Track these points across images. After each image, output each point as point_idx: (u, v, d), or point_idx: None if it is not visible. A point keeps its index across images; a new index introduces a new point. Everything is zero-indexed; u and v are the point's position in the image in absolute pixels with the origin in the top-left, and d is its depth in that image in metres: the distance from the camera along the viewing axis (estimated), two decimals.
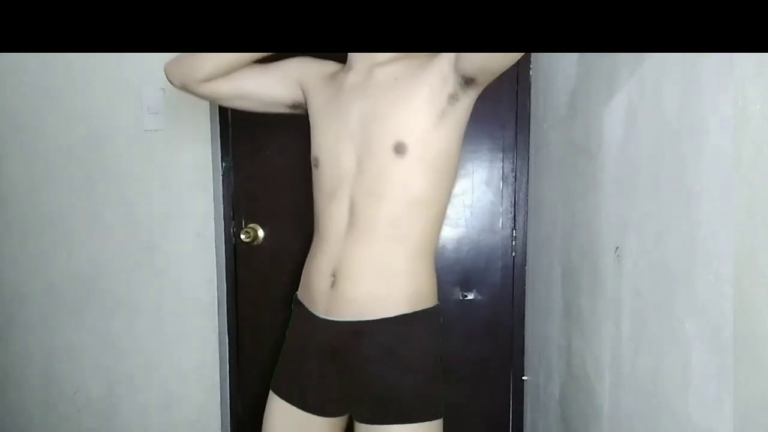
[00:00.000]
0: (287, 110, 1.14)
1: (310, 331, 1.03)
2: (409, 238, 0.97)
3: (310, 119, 1.08)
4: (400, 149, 0.94)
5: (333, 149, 1.01)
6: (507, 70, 0.99)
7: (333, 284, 0.98)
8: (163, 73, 1.09)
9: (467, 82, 0.93)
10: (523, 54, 0.89)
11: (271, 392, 1.08)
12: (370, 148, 0.96)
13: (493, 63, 0.88)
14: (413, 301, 0.98)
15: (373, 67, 1.00)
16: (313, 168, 1.06)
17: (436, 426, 0.98)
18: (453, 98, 0.95)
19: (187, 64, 1.06)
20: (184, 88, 1.09)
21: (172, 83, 1.09)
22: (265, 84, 1.10)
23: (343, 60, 1.10)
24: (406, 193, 0.96)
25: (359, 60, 1.02)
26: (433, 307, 1.02)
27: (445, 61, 0.93)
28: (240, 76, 1.07)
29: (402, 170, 0.95)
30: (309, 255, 1.08)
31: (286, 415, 1.04)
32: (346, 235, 0.98)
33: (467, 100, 0.97)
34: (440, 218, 1.03)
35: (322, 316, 1.00)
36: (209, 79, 1.05)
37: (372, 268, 0.96)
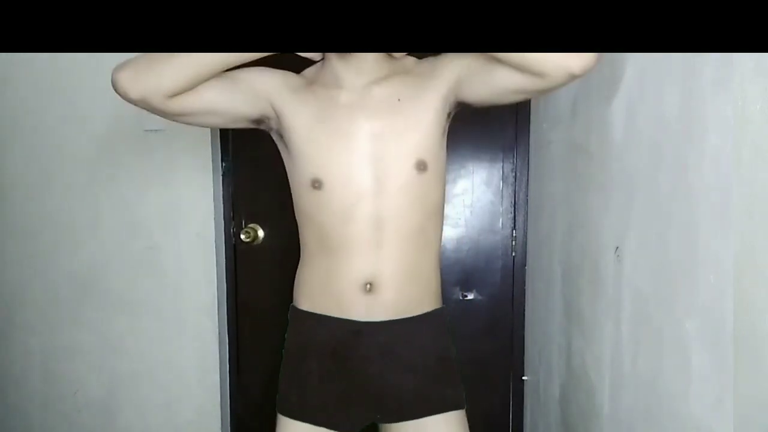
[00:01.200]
0: (250, 125, 1.06)
1: (333, 333, 1.02)
2: (430, 245, 1.05)
3: (293, 138, 1.01)
4: (421, 166, 0.99)
5: (345, 171, 0.98)
6: None
7: (371, 291, 1.00)
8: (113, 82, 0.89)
9: (462, 104, 1.01)
10: (530, 98, 0.95)
11: (284, 418, 1.04)
12: (391, 168, 0.98)
13: (498, 98, 0.95)
14: (437, 300, 1.08)
15: (370, 85, 1.00)
16: (310, 189, 1.00)
17: (464, 416, 1.05)
18: (449, 116, 1.03)
19: (152, 74, 0.88)
20: (144, 102, 0.90)
21: (126, 95, 0.89)
22: (234, 99, 0.99)
23: (295, 66, 1.06)
24: (427, 205, 1.02)
25: (350, 78, 1.00)
26: (444, 306, 1.12)
27: (444, 85, 0.98)
28: (208, 91, 0.95)
29: (423, 185, 1.00)
30: (313, 269, 1.05)
31: None
32: (374, 249, 0.99)
33: (453, 115, 1.05)
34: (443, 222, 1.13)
35: (363, 319, 1.01)
36: (179, 92, 0.91)
37: (408, 274, 1.02)
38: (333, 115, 1.00)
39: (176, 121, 1.00)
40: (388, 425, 1.04)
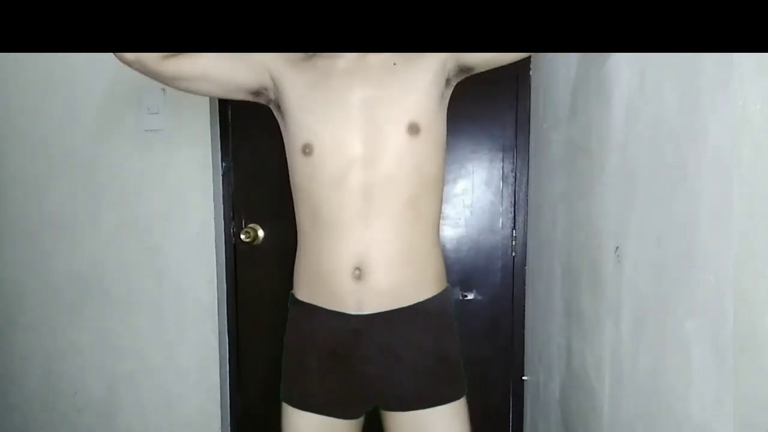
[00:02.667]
0: (248, 97, 1.06)
1: (331, 331, 0.99)
2: (426, 219, 1.00)
3: (288, 106, 1.01)
4: (413, 129, 0.96)
5: (335, 135, 0.97)
6: (507, 69, 1.03)
7: (360, 277, 0.96)
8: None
9: (464, 70, 1.00)
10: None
11: (286, 406, 1.04)
12: (382, 132, 0.96)
13: (499, 58, 0.96)
14: (439, 282, 1.03)
15: (366, 52, 1.00)
16: (300, 156, 0.99)
17: (464, 404, 1.05)
18: (448, 82, 1.01)
19: None
20: (139, 63, 0.93)
21: (121, 56, 0.92)
22: (230, 67, 1.00)
23: None
24: (422, 173, 0.98)
25: None
26: (449, 285, 1.08)
27: None
28: (206, 56, 0.97)
29: (417, 151, 0.97)
30: (306, 252, 1.03)
31: (309, 425, 1.01)
32: (364, 224, 0.95)
33: (455, 83, 1.03)
34: (442, 197, 1.08)
35: (353, 312, 0.97)
36: (169, 54, 0.93)
37: (401, 254, 0.97)
38: (328, 83, 1.00)
39: (172, 85, 1.01)
40: (389, 413, 1.02)
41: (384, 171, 0.96)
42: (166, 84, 1.01)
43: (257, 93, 1.05)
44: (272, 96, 1.04)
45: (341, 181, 0.96)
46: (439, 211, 1.05)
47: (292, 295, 1.08)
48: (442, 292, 1.03)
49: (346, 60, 1.00)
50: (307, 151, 0.98)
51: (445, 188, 1.72)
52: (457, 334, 1.05)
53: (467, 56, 0.97)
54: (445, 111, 1.02)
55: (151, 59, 0.93)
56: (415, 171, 0.97)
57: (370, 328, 0.98)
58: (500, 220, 1.75)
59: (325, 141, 0.98)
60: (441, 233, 1.72)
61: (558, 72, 1.34)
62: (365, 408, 1.04)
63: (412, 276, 0.99)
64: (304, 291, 1.04)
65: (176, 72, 0.97)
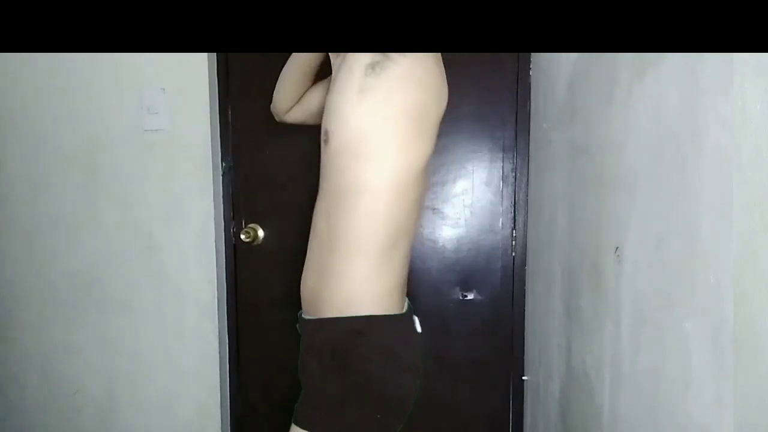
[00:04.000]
0: None
1: None
2: (338, 234, 0.88)
3: None
4: (325, 137, 0.89)
5: None
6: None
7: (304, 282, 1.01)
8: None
9: None
10: None
11: None
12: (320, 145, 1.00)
13: None
14: (346, 306, 0.89)
15: (334, 62, 0.99)
16: None
17: None
18: (370, 68, 0.83)
19: (273, 103, 1.28)
20: (282, 122, 1.32)
21: (276, 117, 1.32)
22: (323, 97, 1.16)
23: None
24: (334, 184, 0.89)
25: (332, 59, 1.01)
26: (377, 317, 0.88)
27: None
28: (306, 99, 1.23)
29: (328, 160, 0.89)
30: None
31: None
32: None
33: (389, 73, 0.83)
34: (379, 211, 0.87)
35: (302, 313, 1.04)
36: (288, 108, 1.26)
37: (313, 269, 0.97)
38: None
39: (306, 124, 1.30)
40: None
41: (321, 183, 0.97)
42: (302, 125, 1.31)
43: None
44: None
45: None
46: (364, 229, 0.87)
47: None
48: (353, 318, 0.87)
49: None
50: None
51: (444, 188, 1.73)
52: (355, 372, 0.88)
53: None
54: (377, 106, 0.84)
55: (281, 117, 1.30)
56: (327, 183, 0.92)
57: (303, 329, 1.02)
58: (500, 220, 1.75)
59: None
60: (440, 233, 1.74)
61: (558, 72, 1.35)
62: None
63: (317, 291, 0.93)
64: None
65: (294, 120, 1.29)
